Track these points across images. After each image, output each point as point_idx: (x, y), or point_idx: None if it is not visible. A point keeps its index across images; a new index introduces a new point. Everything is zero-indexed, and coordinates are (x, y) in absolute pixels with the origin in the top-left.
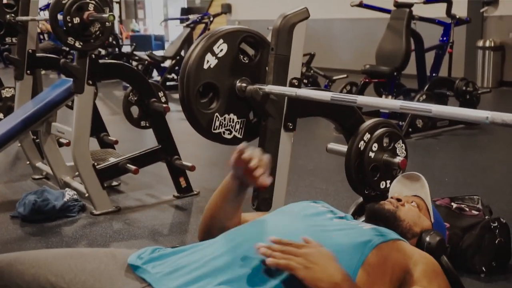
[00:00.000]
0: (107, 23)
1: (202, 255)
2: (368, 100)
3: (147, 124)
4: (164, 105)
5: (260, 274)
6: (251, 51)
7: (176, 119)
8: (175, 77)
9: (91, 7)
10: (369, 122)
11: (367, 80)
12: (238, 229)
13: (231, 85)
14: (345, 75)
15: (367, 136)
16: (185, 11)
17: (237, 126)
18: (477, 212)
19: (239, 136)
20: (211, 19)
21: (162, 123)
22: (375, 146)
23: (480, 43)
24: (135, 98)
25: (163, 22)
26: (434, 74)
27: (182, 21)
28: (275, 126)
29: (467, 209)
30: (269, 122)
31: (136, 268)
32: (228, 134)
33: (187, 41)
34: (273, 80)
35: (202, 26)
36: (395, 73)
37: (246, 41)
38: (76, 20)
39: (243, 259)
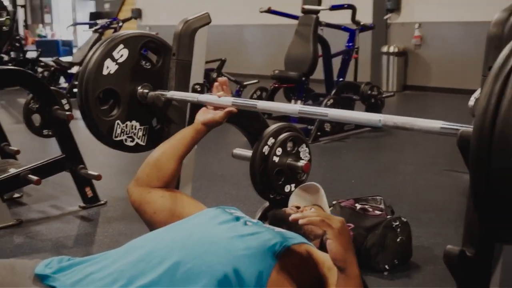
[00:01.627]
0: (3, 27)
1: (112, 261)
2: (268, 105)
3: (50, 133)
4: (67, 113)
5: (173, 279)
6: (153, 56)
7: (82, 127)
8: None
9: None
10: (273, 126)
11: (276, 85)
12: (150, 235)
13: (133, 91)
14: (256, 81)
15: (271, 140)
16: (94, 16)
17: (140, 133)
18: (380, 212)
19: (142, 143)
20: (120, 24)
21: (66, 131)
22: (279, 151)
23: (385, 49)
24: (37, 106)
25: (70, 26)
26: (341, 79)
27: (90, 26)
28: None
29: (370, 209)
30: (172, 128)
31: (45, 277)
32: (131, 141)
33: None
34: (175, 85)
35: (111, 31)
36: (303, 78)
37: (148, 46)
38: None
39: (155, 265)
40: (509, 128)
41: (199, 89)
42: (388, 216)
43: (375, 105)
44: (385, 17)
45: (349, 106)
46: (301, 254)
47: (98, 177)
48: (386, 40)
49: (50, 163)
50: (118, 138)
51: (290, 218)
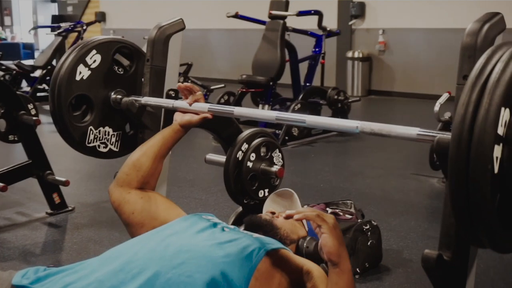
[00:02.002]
0: None
1: (90, 271)
2: (244, 111)
3: (16, 138)
4: (34, 118)
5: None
6: (126, 62)
7: (48, 132)
8: (46, 87)
9: None
10: (246, 132)
11: (244, 90)
12: (128, 244)
13: (106, 97)
14: (222, 85)
15: (244, 146)
16: (56, 19)
17: (113, 139)
18: (351, 216)
19: (115, 149)
20: (85, 27)
21: (33, 136)
22: (253, 156)
23: (350, 54)
24: (2, 111)
25: (32, 30)
26: (308, 84)
27: (53, 29)
28: None
29: (341, 213)
30: (146, 134)
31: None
32: (104, 147)
33: (58, 50)
34: (150, 91)
35: (75, 34)
36: (271, 83)
37: (121, 51)
38: None
39: (135, 275)
40: (486, 135)
41: (173, 95)
42: (359, 220)
43: (341, 110)
44: (350, 23)
45: (316, 110)
46: (280, 259)
47: (66, 183)
48: (351, 46)
49: (16, 169)
50: (91, 144)
51: (285, 214)
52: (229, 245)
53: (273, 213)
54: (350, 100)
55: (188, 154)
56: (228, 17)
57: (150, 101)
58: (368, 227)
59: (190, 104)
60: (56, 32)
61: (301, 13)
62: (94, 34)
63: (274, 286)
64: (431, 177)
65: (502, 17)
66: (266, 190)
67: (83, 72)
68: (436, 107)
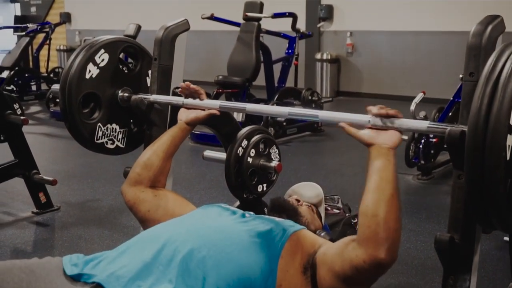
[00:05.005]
0: None
1: (132, 256)
2: (256, 107)
3: (2, 138)
4: (22, 117)
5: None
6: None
7: (25, 132)
8: (15, 88)
9: None
10: (246, 129)
11: (220, 91)
12: (160, 228)
13: (113, 94)
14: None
15: (244, 142)
16: (20, 20)
17: (120, 136)
18: (338, 211)
19: (121, 145)
20: (53, 27)
21: (19, 136)
22: (252, 152)
23: (318, 56)
24: None
25: None
26: (282, 85)
27: (16, 30)
28: (159, 135)
29: (329, 208)
30: (153, 131)
31: (80, 276)
32: (111, 144)
33: (25, 51)
34: (157, 89)
35: (42, 35)
36: (246, 84)
37: (126, 51)
38: None
39: (173, 257)
40: (501, 125)
41: (179, 93)
42: (347, 214)
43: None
44: (318, 25)
45: None
46: (302, 238)
47: (54, 182)
48: (319, 48)
49: (3, 168)
50: (100, 141)
51: (341, 124)
52: (256, 227)
53: (298, 200)
54: (323, 101)
55: None
56: (203, 18)
57: (160, 99)
58: (356, 220)
59: (202, 99)
60: (20, 33)
61: (276, 15)
62: (59, 35)
63: (297, 262)
64: (406, 174)
65: (502, 20)
66: (265, 185)
67: (92, 71)
68: (412, 107)
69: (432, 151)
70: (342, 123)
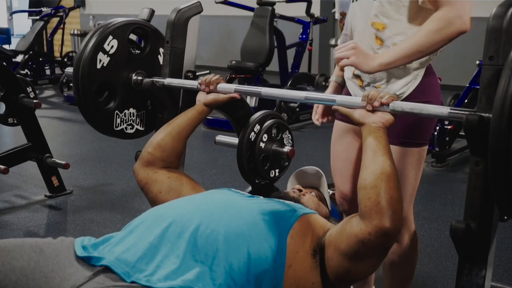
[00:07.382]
0: None
1: (139, 237)
2: (273, 91)
3: (15, 121)
4: (35, 101)
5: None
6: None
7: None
8: (29, 72)
9: None
10: (258, 113)
11: (233, 76)
12: (169, 206)
13: (126, 79)
14: (207, 71)
15: (257, 127)
16: (35, 4)
17: (138, 119)
18: None
19: (141, 128)
20: (67, 12)
21: (32, 119)
22: (265, 137)
23: (333, 42)
24: (1, 94)
25: (12, 14)
26: (296, 70)
27: (31, 14)
28: (171, 118)
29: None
30: (165, 114)
31: (89, 259)
32: (131, 128)
33: (40, 35)
34: (169, 73)
35: (56, 19)
36: (260, 69)
37: (136, 32)
38: None
39: (181, 233)
40: None
41: (191, 76)
42: None
43: None
44: (333, 10)
45: None
46: (312, 221)
47: (66, 166)
48: (333, 33)
49: (16, 151)
50: (119, 128)
51: (334, 107)
52: (266, 206)
53: (300, 190)
54: None
55: None
56: (217, 3)
57: (173, 83)
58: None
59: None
60: (37, 17)
61: (290, 0)
62: (73, 19)
63: (307, 244)
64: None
65: None
66: (277, 170)
67: (103, 60)
68: None
69: (447, 138)
70: (336, 106)
